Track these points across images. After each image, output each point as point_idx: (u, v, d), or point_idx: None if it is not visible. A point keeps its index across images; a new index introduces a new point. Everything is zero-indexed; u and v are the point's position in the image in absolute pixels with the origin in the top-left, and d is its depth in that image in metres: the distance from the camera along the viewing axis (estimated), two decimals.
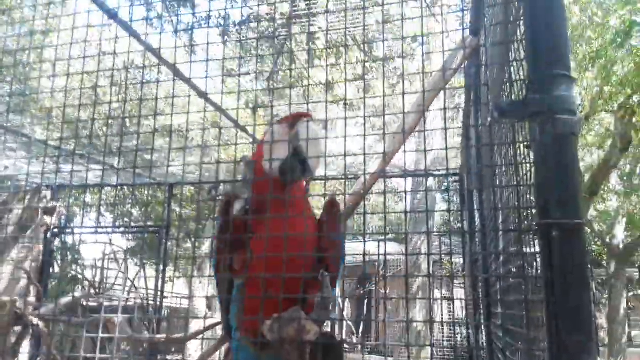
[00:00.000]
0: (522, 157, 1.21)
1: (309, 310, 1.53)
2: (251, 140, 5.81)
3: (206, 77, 2.06)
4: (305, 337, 1.39)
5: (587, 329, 0.96)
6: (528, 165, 1.16)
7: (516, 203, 1.22)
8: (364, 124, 1.74)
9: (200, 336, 7.41)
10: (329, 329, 1.56)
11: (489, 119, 1.21)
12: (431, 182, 7.84)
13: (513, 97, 1.30)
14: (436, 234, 8.85)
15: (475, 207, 3.75)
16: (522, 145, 1.22)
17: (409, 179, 9.47)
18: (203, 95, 4.96)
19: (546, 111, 1.04)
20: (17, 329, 4.64)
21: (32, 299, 5.11)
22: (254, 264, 1.72)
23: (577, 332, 0.96)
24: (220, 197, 1.87)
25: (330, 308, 1.48)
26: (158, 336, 4.17)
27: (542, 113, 1.04)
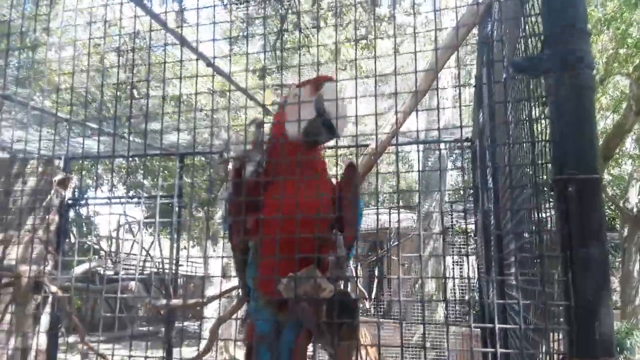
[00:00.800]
0: (538, 114, 1.19)
1: (324, 271, 1.55)
2: (260, 107, 5.78)
3: (213, 40, 2.02)
4: (320, 295, 1.42)
5: (604, 283, 0.96)
6: (543, 122, 1.14)
7: (533, 159, 1.21)
8: (375, 87, 1.71)
9: (217, 301, 7.56)
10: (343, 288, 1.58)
11: (504, 76, 1.18)
12: (442, 149, 7.77)
13: (528, 52, 1.27)
14: (448, 191, 8.83)
15: (488, 169, 3.73)
16: (537, 102, 1.19)
17: (419, 147, 9.42)
18: (209, 63, 4.92)
19: (562, 65, 1.02)
20: (36, 297, 4.76)
21: (49, 268, 5.22)
22: (268, 225, 1.74)
23: (593, 286, 0.96)
24: (232, 160, 1.87)
25: (344, 267, 1.50)
26: (175, 301, 4.26)
27: (558, 67, 1.02)
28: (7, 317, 4.92)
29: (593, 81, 1.02)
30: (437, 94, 1.55)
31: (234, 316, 3.79)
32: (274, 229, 1.66)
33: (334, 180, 2.01)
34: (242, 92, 5.51)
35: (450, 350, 7.76)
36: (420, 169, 9.67)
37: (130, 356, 1.81)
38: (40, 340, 5.18)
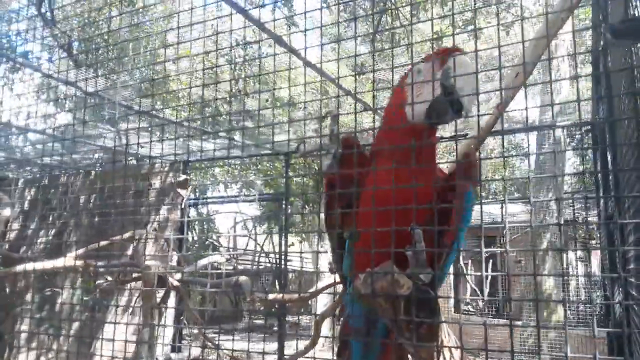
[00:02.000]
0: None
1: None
2: (359, 104, 5.77)
3: (321, 46, 2.04)
4: (398, 291, 1.36)
5: None
6: None
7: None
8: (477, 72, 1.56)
9: (327, 296, 7.70)
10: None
11: (601, 43, 1.02)
12: (559, 134, 7.16)
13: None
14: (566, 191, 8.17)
15: (609, 155, 3.37)
16: None
17: (533, 135, 8.79)
18: (313, 66, 5.02)
19: None
20: (161, 290, 5.18)
21: (173, 263, 5.67)
22: (362, 217, 1.67)
23: None
24: (308, 154, 1.84)
25: (424, 264, 1.41)
26: (278, 295, 4.41)
27: None
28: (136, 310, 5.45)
29: None
30: (551, 79, 1.40)
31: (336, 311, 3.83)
32: (368, 220, 1.59)
33: (446, 170, 1.82)
34: (346, 93, 5.56)
35: (572, 356, 7.16)
36: (534, 159, 9.01)
37: (248, 351, 1.87)
38: (166, 332, 5.66)
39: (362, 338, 1.70)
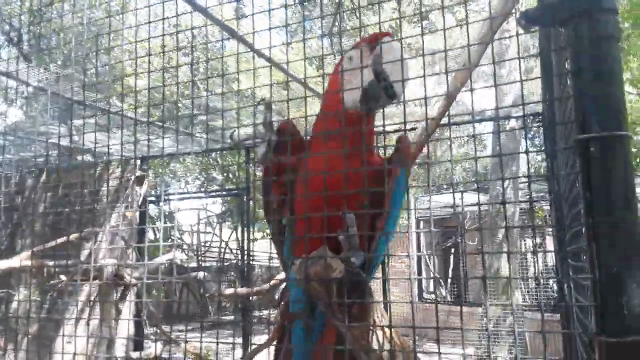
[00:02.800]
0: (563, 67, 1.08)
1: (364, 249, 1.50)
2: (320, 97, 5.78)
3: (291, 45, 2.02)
4: (331, 275, 1.39)
5: (633, 255, 0.86)
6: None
7: (552, 120, 1.10)
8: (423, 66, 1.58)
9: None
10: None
11: (516, 29, 1.06)
12: (514, 125, 7.34)
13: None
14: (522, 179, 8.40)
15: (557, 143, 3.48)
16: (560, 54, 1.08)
17: (490, 124, 9.00)
18: (269, 60, 4.99)
19: (580, 12, 0.91)
20: (118, 288, 5.09)
21: (130, 262, 5.57)
22: (297, 203, 1.68)
23: (620, 257, 0.86)
24: (242, 143, 1.82)
25: (356, 246, 1.44)
26: (240, 290, 4.40)
27: (576, 15, 0.91)
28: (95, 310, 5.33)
29: (618, 29, 0.90)
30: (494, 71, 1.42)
31: None
32: (301, 207, 1.61)
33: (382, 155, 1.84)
34: (300, 84, 5.54)
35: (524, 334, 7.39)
36: (491, 147, 9.24)
37: (217, 342, 1.85)
38: (124, 330, 5.56)
39: (303, 321, 1.72)
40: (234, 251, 11.99)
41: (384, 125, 1.70)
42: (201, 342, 1.96)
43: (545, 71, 3.20)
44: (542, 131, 5.14)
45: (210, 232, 12.56)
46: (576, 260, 1.74)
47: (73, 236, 5.18)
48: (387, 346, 1.37)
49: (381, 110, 1.78)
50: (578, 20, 0.90)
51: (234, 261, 12.22)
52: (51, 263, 4.63)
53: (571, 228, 1.50)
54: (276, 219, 1.81)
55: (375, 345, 1.38)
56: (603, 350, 0.85)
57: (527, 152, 1.21)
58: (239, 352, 6.54)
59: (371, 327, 1.39)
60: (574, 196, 1.36)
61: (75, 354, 2.44)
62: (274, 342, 1.85)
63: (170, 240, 12.69)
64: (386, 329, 1.41)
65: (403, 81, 1.58)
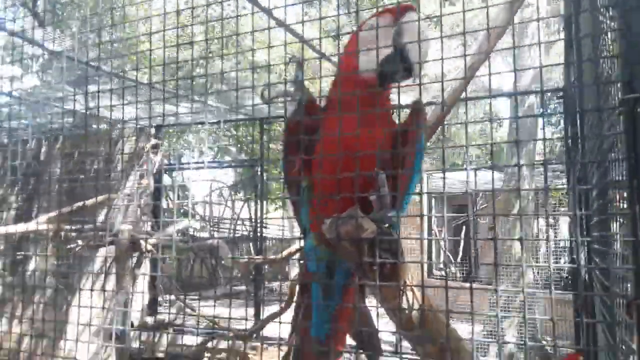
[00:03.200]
0: (605, 27, 1.03)
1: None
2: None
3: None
4: (362, 235, 1.39)
5: None
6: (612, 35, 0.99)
7: (596, 78, 1.06)
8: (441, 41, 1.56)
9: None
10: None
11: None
12: (533, 101, 7.21)
13: None
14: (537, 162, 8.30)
15: (578, 121, 3.41)
16: (605, 12, 1.03)
17: (508, 102, 8.85)
18: (284, 25, 4.91)
19: None
20: (134, 254, 5.16)
21: (146, 228, 5.62)
22: (319, 163, 1.68)
23: None
24: (274, 99, 1.81)
25: (388, 207, 1.44)
26: (256, 257, 4.43)
27: None
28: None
29: None
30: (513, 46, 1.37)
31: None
32: (324, 168, 1.61)
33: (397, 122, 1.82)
34: (319, 55, 5.47)
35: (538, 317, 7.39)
36: (507, 126, 9.11)
37: (230, 317, 1.88)
38: (139, 296, 5.66)
39: (322, 282, 1.74)
40: (246, 223, 12.08)
41: (399, 100, 1.69)
42: (214, 309, 1.98)
43: (571, 37, 3.10)
44: (563, 103, 5.03)
45: (222, 204, 12.64)
46: (600, 230, 1.71)
47: (89, 202, 5.24)
48: (416, 306, 1.38)
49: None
50: None
51: (246, 233, 12.33)
52: (68, 227, 4.69)
53: (600, 198, 1.47)
54: (297, 180, 1.80)
55: (405, 306, 1.38)
56: None
57: (543, 137, 1.17)
58: (250, 322, 6.63)
59: (402, 288, 1.39)
60: (606, 162, 1.33)
61: (88, 323, 2.48)
62: (294, 303, 1.87)
63: (183, 210, 12.82)
64: (416, 291, 1.41)
65: (420, 63, 1.58)
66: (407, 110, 1.79)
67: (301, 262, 1.99)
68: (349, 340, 1.95)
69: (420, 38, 1.52)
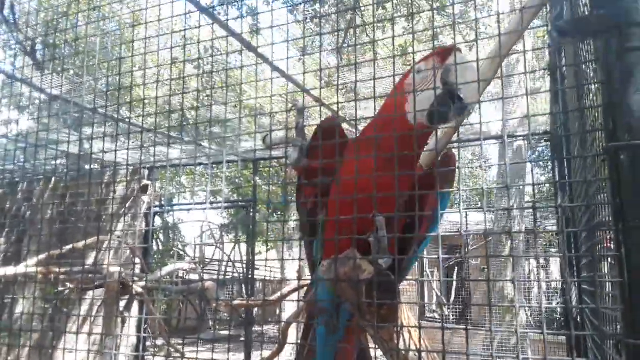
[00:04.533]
0: (588, 79, 1.11)
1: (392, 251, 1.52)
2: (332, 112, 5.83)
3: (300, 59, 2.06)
4: (360, 276, 1.41)
5: None
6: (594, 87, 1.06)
7: (583, 128, 1.13)
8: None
9: (294, 305, 7.67)
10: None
11: (548, 43, 1.09)
12: (521, 143, 7.38)
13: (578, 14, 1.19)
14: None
15: (565, 163, 3.50)
16: (588, 66, 1.11)
17: (496, 146, 9.03)
18: (281, 72, 5.04)
19: (611, 26, 0.94)
20: (124, 298, 5.08)
21: (136, 271, 5.56)
22: (331, 205, 1.70)
23: None
24: (275, 145, 1.85)
25: (385, 250, 1.47)
26: (252, 300, 4.39)
27: (607, 29, 0.95)
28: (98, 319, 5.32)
29: None
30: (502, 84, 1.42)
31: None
32: (338, 209, 1.61)
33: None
34: (314, 99, 5.60)
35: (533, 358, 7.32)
36: (496, 169, 9.26)
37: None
38: (128, 341, 5.54)
39: (327, 319, 1.73)
40: (237, 265, 11.96)
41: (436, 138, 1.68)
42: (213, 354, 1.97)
43: (556, 85, 3.23)
44: (550, 146, 5.17)
45: (212, 245, 12.53)
46: (589, 271, 1.75)
47: (79, 244, 5.19)
48: (413, 347, 1.39)
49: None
50: (609, 33, 0.94)
51: (236, 275, 12.18)
52: (57, 270, 4.63)
53: (589, 240, 1.52)
54: (308, 220, 1.83)
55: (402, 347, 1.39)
56: (631, 352, 0.87)
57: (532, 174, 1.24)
58: None
59: (399, 329, 1.41)
60: (592, 207, 1.38)
61: None
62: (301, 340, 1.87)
63: (172, 251, 12.70)
64: (412, 332, 1.43)
65: (474, 95, 1.56)
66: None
67: (309, 295, 1.99)
68: None
69: (475, 76, 1.51)
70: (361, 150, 1.67)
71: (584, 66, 1.28)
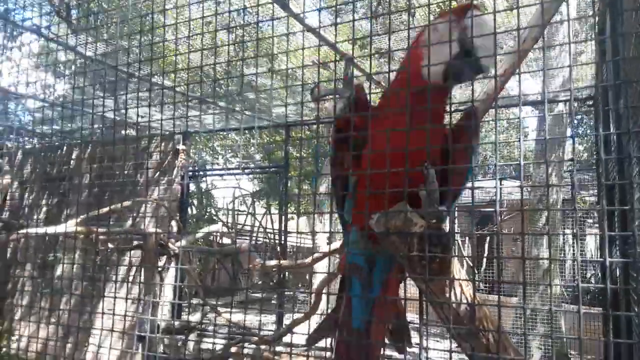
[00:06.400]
0: None
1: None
2: (366, 77, 5.74)
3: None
4: (411, 229, 1.39)
5: None
6: None
7: None
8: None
9: (324, 268, 7.75)
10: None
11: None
12: (562, 110, 7.11)
13: None
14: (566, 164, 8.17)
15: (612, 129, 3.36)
16: None
17: (534, 113, 8.76)
18: (314, 32, 4.95)
19: None
20: (162, 257, 5.22)
21: (173, 232, 5.69)
22: (372, 159, 1.67)
23: None
24: (323, 97, 1.82)
25: (437, 202, 1.44)
26: (284, 262, 4.45)
27: None
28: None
29: None
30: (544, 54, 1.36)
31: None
32: (373, 164, 1.61)
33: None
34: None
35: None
36: (534, 135, 9.01)
37: (259, 324, 1.90)
38: (166, 298, 5.71)
39: (362, 275, 1.76)
40: (269, 231, 12.13)
41: (450, 104, 1.69)
42: (245, 316, 2.00)
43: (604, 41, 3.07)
44: (594, 113, 4.96)
45: (244, 211, 12.72)
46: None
47: (117, 206, 5.33)
48: (464, 301, 1.38)
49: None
50: None
51: (268, 242, 12.37)
52: (99, 230, 4.77)
53: None
54: (343, 176, 1.82)
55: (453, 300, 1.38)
56: None
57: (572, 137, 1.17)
58: (270, 329, 6.63)
59: (451, 282, 1.39)
60: None
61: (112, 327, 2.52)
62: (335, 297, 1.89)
63: (206, 216, 12.95)
64: (464, 286, 1.41)
65: (490, 55, 1.54)
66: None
67: (342, 256, 2.00)
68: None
69: (489, 33, 1.51)
70: (391, 106, 1.67)
71: None
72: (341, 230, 2.01)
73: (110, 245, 5.01)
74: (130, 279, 5.68)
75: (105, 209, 5.10)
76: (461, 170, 1.68)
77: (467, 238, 12.31)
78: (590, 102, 5.16)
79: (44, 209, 7.19)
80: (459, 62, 1.59)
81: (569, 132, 7.55)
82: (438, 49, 1.57)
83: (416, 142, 1.50)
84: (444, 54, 1.57)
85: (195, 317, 5.79)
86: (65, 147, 7.34)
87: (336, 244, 4.02)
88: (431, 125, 1.49)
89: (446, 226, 1.46)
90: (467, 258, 12.32)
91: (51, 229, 5.25)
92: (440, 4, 2.29)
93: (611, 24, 2.99)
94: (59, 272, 6.28)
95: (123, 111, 5.81)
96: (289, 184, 7.21)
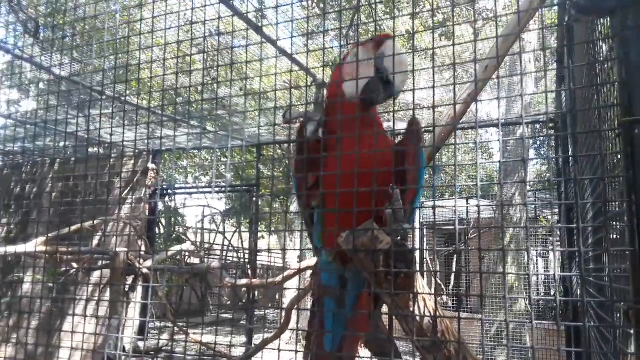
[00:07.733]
0: (603, 56, 1.14)
1: (385, 225, 1.58)
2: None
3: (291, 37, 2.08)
4: (377, 246, 1.47)
5: None
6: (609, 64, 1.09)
7: (598, 103, 1.16)
8: (433, 74, 1.69)
9: (294, 290, 7.74)
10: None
11: (566, 19, 1.12)
12: (524, 131, 7.35)
13: None
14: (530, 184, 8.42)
15: (570, 149, 3.54)
16: (604, 43, 1.14)
17: (496, 133, 9.04)
18: (288, 55, 5.04)
19: (629, 3, 0.97)
20: (129, 278, 5.13)
21: (141, 252, 5.61)
22: (329, 182, 1.75)
23: None
24: (295, 120, 1.91)
25: (402, 220, 1.53)
26: (255, 281, 4.45)
27: (624, 5, 0.98)
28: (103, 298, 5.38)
29: None
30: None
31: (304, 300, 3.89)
32: (334, 186, 1.68)
33: (394, 139, 1.99)
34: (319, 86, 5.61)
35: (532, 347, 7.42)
36: (499, 156, 9.28)
37: (215, 344, 1.92)
38: (131, 320, 5.60)
39: (335, 295, 1.81)
40: (238, 249, 12.03)
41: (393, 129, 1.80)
42: (215, 341, 2.02)
43: (563, 69, 3.24)
44: (554, 131, 5.20)
45: (214, 230, 12.60)
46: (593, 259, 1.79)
47: (86, 224, 5.24)
48: (427, 314, 1.45)
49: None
50: (626, 10, 0.96)
51: (237, 260, 12.25)
52: (64, 249, 4.68)
53: (595, 219, 1.56)
54: (310, 198, 1.89)
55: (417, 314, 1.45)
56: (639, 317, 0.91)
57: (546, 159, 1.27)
58: (240, 350, 6.56)
59: (415, 296, 1.46)
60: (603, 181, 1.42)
61: (79, 347, 2.48)
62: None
63: (174, 235, 12.76)
64: (427, 300, 1.48)
65: (403, 78, 1.76)
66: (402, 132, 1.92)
67: (315, 277, 2.05)
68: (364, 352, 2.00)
69: (401, 63, 1.73)
70: (339, 132, 1.80)
71: (596, 47, 1.31)
72: (311, 249, 2.06)
73: (74, 265, 4.90)
74: (95, 300, 5.56)
75: (73, 228, 5.01)
76: (415, 177, 1.79)
77: (435, 256, 12.48)
78: (551, 125, 5.39)
79: (7, 228, 7.00)
80: (374, 83, 1.77)
81: (532, 153, 7.82)
82: (355, 72, 1.72)
83: (373, 162, 1.60)
84: (361, 75, 1.73)
85: (163, 337, 5.69)
86: (29, 165, 7.19)
87: (307, 262, 4.05)
88: (382, 147, 1.59)
89: (409, 243, 1.54)
90: (433, 274, 12.48)
91: (19, 248, 5.11)
92: (405, 33, 2.41)
93: (567, 51, 3.18)
94: (21, 291, 6.10)
95: (92, 129, 5.76)
96: (259, 203, 7.21)
